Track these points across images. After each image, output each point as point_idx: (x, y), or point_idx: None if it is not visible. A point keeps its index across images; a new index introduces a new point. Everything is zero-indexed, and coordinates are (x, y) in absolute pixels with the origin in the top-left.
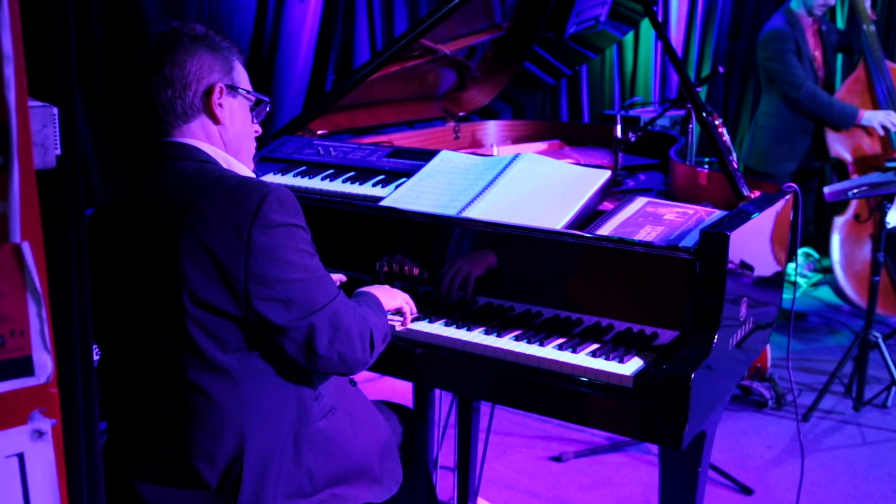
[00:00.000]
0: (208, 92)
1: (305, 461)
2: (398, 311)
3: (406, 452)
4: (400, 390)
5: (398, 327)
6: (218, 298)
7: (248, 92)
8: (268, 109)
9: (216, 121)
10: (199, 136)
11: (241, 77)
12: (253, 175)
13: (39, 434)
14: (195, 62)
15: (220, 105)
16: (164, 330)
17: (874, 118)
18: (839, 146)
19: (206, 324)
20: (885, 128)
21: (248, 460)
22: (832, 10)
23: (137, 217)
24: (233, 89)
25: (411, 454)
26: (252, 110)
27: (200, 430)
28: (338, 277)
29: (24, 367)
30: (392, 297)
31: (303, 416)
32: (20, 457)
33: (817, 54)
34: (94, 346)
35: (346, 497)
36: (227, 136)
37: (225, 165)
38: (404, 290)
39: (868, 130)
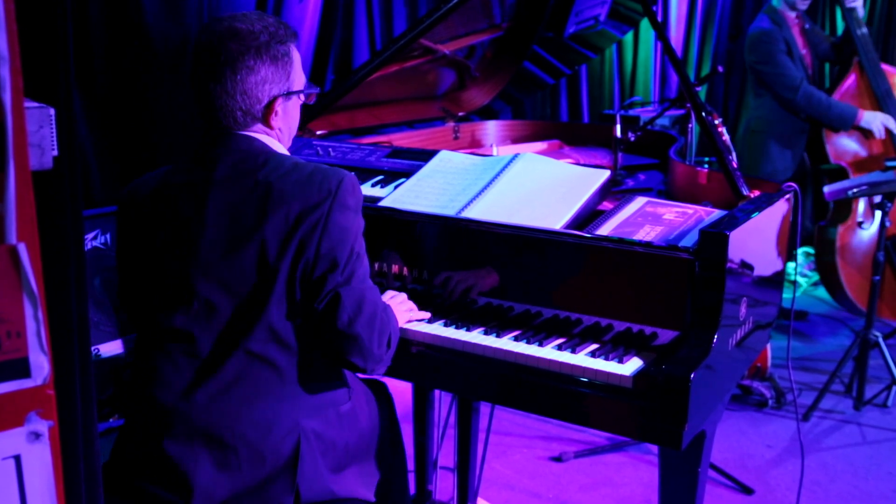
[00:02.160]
0: (268, 106)
1: (344, 436)
2: None
3: (383, 425)
4: (399, 390)
5: None
6: (285, 264)
7: (300, 91)
8: (318, 91)
9: (270, 128)
10: (257, 132)
11: (298, 73)
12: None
13: (36, 436)
14: (257, 78)
15: (276, 113)
16: (246, 291)
17: (874, 120)
18: (838, 150)
19: (277, 290)
20: (888, 130)
21: (304, 431)
22: (833, 19)
23: (210, 194)
24: (289, 95)
25: (386, 429)
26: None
27: (264, 399)
28: None
29: (21, 368)
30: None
31: (340, 395)
32: (17, 459)
33: (805, 53)
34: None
35: (365, 473)
36: (279, 134)
37: (277, 150)
38: (403, 290)
39: (865, 133)
